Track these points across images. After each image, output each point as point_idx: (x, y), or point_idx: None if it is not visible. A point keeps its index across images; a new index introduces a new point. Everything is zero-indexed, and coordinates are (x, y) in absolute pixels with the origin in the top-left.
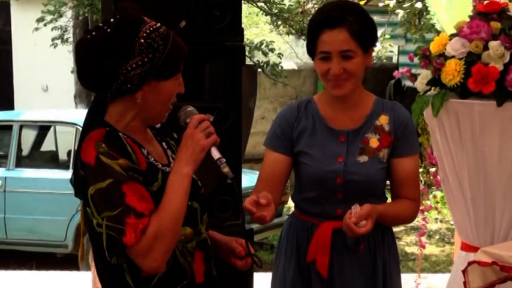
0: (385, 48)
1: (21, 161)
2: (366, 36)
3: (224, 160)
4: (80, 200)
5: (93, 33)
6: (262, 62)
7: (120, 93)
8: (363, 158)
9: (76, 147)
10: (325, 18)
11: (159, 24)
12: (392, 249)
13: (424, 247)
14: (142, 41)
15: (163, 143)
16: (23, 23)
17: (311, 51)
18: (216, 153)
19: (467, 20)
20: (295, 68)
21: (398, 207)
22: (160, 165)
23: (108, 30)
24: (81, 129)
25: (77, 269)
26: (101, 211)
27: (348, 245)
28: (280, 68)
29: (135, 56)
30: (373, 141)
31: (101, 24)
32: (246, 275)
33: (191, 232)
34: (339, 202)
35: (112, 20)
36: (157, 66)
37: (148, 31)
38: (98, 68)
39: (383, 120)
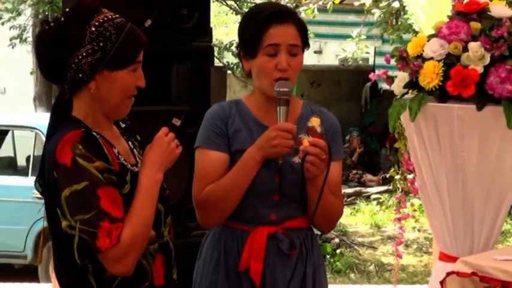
0: (361, 49)
1: None
2: (306, 36)
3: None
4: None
5: (51, 24)
6: (232, 63)
7: (74, 84)
8: (297, 159)
9: (43, 146)
10: (275, 12)
11: (117, 16)
12: (320, 256)
13: (400, 257)
14: (93, 29)
15: (130, 142)
16: None
17: (253, 47)
18: None
19: (446, 20)
20: None
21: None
22: (129, 166)
23: (62, 19)
24: (46, 127)
25: (37, 280)
26: (75, 214)
27: (283, 250)
28: None
29: (86, 45)
30: (306, 143)
31: (59, 16)
32: None
33: (154, 235)
34: (274, 206)
35: (67, 10)
36: (108, 55)
37: (101, 20)
38: (52, 57)
39: (315, 122)
